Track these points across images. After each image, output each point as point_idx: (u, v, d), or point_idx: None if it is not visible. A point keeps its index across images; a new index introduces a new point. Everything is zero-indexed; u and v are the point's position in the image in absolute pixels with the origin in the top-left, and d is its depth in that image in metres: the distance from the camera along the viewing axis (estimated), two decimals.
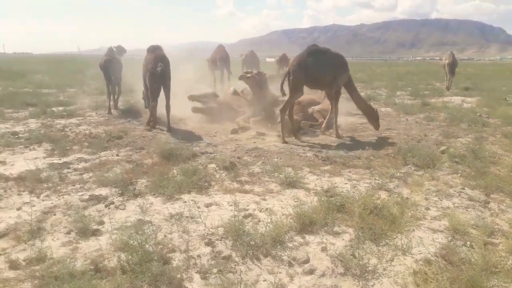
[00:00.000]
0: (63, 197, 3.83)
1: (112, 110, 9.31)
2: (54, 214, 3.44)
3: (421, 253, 2.78)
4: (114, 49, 9.89)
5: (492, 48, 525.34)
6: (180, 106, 8.13)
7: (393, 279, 2.48)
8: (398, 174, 4.62)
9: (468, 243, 2.95)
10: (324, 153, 5.65)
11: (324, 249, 2.85)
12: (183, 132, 7.36)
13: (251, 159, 5.33)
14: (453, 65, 15.58)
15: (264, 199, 3.87)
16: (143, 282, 2.38)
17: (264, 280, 2.48)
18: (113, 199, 3.81)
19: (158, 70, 7.09)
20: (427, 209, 3.63)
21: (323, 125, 7.19)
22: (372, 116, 7.04)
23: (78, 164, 5.02)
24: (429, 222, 3.34)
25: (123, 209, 3.58)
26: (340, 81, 6.79)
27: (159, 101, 7.60)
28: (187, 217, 3.38)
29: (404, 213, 3.43)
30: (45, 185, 4.13)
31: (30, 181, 4.19)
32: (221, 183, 4.31)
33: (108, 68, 9.30)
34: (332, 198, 3.66)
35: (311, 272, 2.58)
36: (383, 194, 3.98)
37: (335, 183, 4.31)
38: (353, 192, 3.86)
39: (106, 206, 3.64)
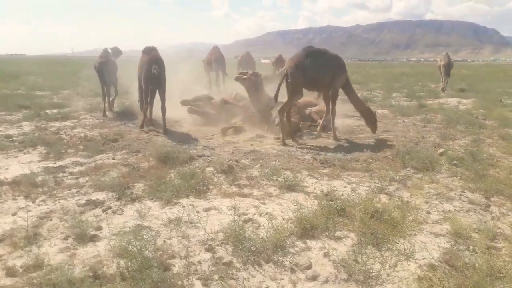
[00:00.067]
0: (59, 202, 3.75)
1: (107, 113, 9.21)
2: (51, 219, 3.36)
3: (424, 258, 2.75)
4: (110, 50, 9.79)
5: (486, 50, 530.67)
6: (175, 108, 8.05)
7: (398, 285, 2.44)
8: (398, 177, 4.60)
9: (471, 247, 2.92)
10: (322, 155, 5.62)
11: (326, 255, 2.81)
12: (180, 134, 7.30)
13: (249, 162, 5.28)
14: (448, 67, 15.68)
15: (264, 203, 3.82)
16: None
17: (266, 287, 2.44)
18: (110, 203, 3.74)
19: (153, 72, 7.04)
20: (428, 212, 3.60)
21: (318, 127, 7.17)
22: (370, 119, 7.02)
23: (73, 167, 4.94)
24: (431, 226, 3.32)
25: (120, 214, 3.51)
26: (338, 82, 6.76)
27: (155, 103, 7.55)
28: (186, 222, 3.32)
29: (406, 217, 3.40)
30: (41, 190, 4.04)
31: (25, 186, 4.10)
32: (220, 187, 4.25)
33: (102, 70, 9.18)
34: (332, 202, 3.62)
35: (314, 278, 2.54)
36: (383, 198, 3.95)
37: (335, 187, 4.27)
38: (353, 196, 3.84)
39: (103, 211, 3.57)
